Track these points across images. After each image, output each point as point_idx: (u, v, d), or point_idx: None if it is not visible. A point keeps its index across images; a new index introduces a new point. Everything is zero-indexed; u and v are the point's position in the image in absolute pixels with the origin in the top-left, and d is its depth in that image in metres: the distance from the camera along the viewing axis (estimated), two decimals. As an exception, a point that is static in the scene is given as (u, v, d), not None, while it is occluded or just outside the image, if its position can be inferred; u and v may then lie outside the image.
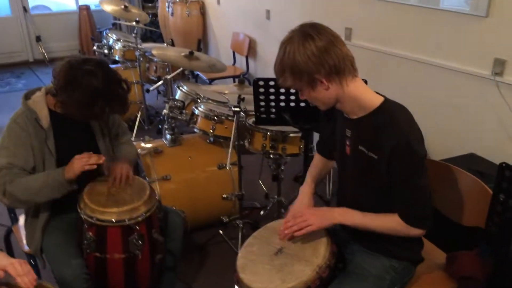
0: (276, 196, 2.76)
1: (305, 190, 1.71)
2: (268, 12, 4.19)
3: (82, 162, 1.72)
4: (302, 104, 2.10)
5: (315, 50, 1.33)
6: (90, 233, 1.72)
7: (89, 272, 1.74)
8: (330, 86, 1.38)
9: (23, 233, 2.03)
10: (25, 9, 6.32)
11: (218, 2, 5.20)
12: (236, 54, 4.87)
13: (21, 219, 2.15)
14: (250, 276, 1.50)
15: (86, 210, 1.72)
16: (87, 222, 1.72)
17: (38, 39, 6.46)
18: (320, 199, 2.98)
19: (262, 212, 2.79)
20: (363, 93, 1.42)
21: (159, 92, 4.82)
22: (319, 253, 1.49)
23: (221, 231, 2.73)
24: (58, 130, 1.82)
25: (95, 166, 1.74)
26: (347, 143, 1.52)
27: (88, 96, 1.68)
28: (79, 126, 1.90)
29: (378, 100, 1.42)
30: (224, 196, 2.64)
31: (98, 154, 1.78)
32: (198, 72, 4.61)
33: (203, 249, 2.68)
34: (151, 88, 3.57)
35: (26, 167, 1.74)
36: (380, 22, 2.94)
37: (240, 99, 2.32)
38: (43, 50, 6.46)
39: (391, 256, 1.55)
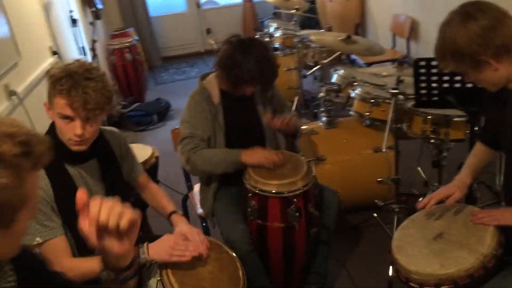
0: (436, 184, 2.62)
1: (461, 178, 1.62)
2: (433, -10, 3.94)
3: (262, 155, 1.93)
4: (469, 85, 1.96)
5: (478, 30, 1.24)
6: (253, 202, 1.90)
7: (252, 237, 1.92)
8: (499, 67, 1.27)
9: (197, 199, 2.33)
10: (197, 5, 7.02)
11: (379, -16, 5.05)
12: (396, 37, 4.69)
13: (196, 187, 2.47)
14: (406, 258, 1.49)
15: (251, 181, 1.91)
16: (251, 192, 1.90)
17: (208, 31, 7.13)
18: (489, 190, 2.73)
19: (421, 199, 2.67)
20: None
21: (315, 78, 4.91)
22: (485, 241, 1.40)
23: (375, 214, 2.71)
24: (227, 107, 2.05)
25: (271, 163, 1.92)
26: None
27: (239, 72, 1.88)
28: (245, 103, 2.11)
29: None
30: (379, 179, 2.61)
31: (279, 155, 1.96)
32: (355, 57, 4.57)
33: (357, 231, 2.71)
34: (307, 73, 3.70)
35: (204, 136, 2.01)
36: None
37: (399, 81, 2.26)
38: (212, 41, 7.11)
39: None
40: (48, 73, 1.45)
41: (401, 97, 2.35)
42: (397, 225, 2.37)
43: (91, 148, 1.53)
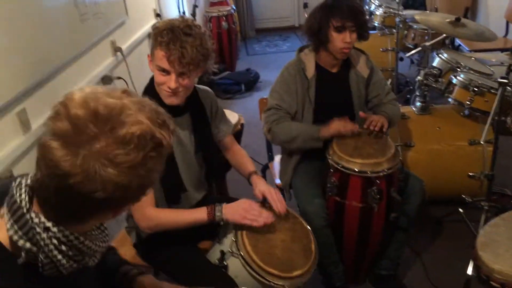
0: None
1: None
2: (563, -27, 3.51)
3: (339, 125, 1.90)
4: None
5: None
6: (334, 178, 1.88)
7: (328, 213, 1.91)
8: None
9: (276, 169, 2.36)
10: (297, -22, 6.93)
11: (497, -36, 4.61)
12: (510, 24, 4.28)
13: (276, 158, 2.50)
14: (490, 256, 1.41)
15: (334, 157, 1.88)
16: (333, 168, 1.88)
17: (305, 5, 7.01)
18: None
19: (513, 200, 2.48)
20: None
21: (412, 62, 4.67)
22: None
23: (461, 210, 2.56)
24: (320, 82, 2.02)
25: (349, 133, 1.89)
26: None
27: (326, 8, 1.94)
28: (339, 80, 2.06)
29: None
30: (470, 174, 2.45)
31: (354, 124, 1.92)
32: (460, 43, 4.26)
33: (439, 224, 2.59)
34: (407, 55, 3.51)
35: (290, 110, 2.01)
36: None
37: (510, 70, 2.06)
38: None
39: None
40: (153, 26, 1.53)
41: (509, 88, 2.16)
42: (484, 224, 2.22)
43: (186, 103, 1.60)
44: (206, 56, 1.50)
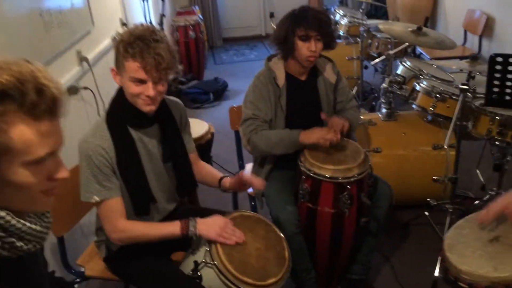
0: (495, 189, 2.51)
1: None
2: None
3: (320, 134, 1.91)
4: (548, 87, 1.85)
5: None
6: (306, 185, 1.90)
7: (300, 220, 1.92)
8: None
9: (248, 178, 2.36)
10: (263, -13, 7.01)
11: (456, -23, 4.82)
12: (467, 33, 4.47)
13: (247, 167, 2.50)
14: (457, 257, 1.45)
15: (306, 164, 1.91)
16: (305, 174, 1.90)
17: (271, 15, 7.08)
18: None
19: (476, 202, 2.57)
20: None
21: (376, 70, 4.80)
22: (544, 249, 1.34)
23: (426, 213, 2.64)
24: (290, 90, 2.05)
25: (327, 143, 1.88)
26: None
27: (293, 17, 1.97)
28: (308, 87, 2.10)
29: None
30: (435, 177, 2.53)
31: (337, 133, 1.91)
32: (421, 51, 4.41)
33: (405, 228, 2.65)
34: (372, 63, 3.61)
35: (266, 118, 2.03)
36: None
37: (470, 77, 2.16)
38: (275, 26, 7.08)
39: None
40: (115, 39, 1.48)
41: (469, 94, 2.25)
42: (450, 226, 2.29)
43: (155, 113, 1.58)
44: (176, 57, 1.50)
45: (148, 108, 1.51)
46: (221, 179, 1.78)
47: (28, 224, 0.83)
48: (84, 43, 2.58)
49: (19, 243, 0.82)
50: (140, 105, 1.51)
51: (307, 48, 1.95)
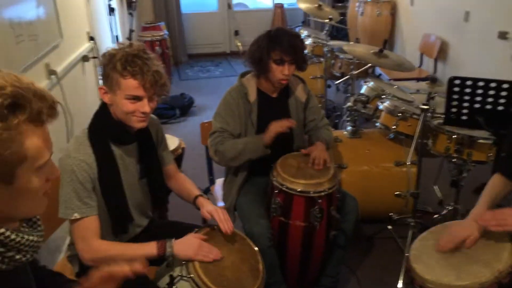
0: (452, 203, 2.65)
1: (477, 212, 1.56)
2: (467, 13, 3.96)
3: (277, 126, 1.98)
4: (500, 108, 2.00)
5: None
6: (278, 199, 1.95)
7: (272, 233, 1.96)
8: None
9: (218, 193, 2.39)
10: (229, 6, 7.12)
11: (412, 3, 5.10)
12: (423, 56, 4.73)
13: (218, 182, 2.53)
14: (422, 267, 1.53)
15: (278, 178, 1.96)
16: (277, 188, 1.95)
17: (236, 33, 7.22)
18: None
19: (436, 216, 2.71)
20: None
21: (338, 89, 4.97)
22: (502, 258, 1.44)
23: (389, 227, 2.75)
24: (261, 106, 2.12)
25: (287, 130, 1.98)
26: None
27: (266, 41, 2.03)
28: (279, 104, 2.17)
29: None
30: (397, 193, 2.65)
31: (290, 120, 2.03)
32: (381, 72, 4.62)
33: (370, 241, 2.74)
34: (336, 82, 3.75)
35: (234, 132, 2.07)
36: None
37: (430, 97, 2.30)
38: (239, 43, 7.20)
39: None
40: (109, 57, 1.46)
41: (429, 114, 2.39)
42: (412, 239, 2.40)
43: (136, 131, 1.59)
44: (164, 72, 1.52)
45: (141, 124, 1.53)
46: (196, 197, 1.77)
47: (26, 236, 0.84)
48: (52, 56, 2.55)
49: (18, 256, 0.83)
50: (133, 122, 1.52)
51: (280, 71, 2.02)
